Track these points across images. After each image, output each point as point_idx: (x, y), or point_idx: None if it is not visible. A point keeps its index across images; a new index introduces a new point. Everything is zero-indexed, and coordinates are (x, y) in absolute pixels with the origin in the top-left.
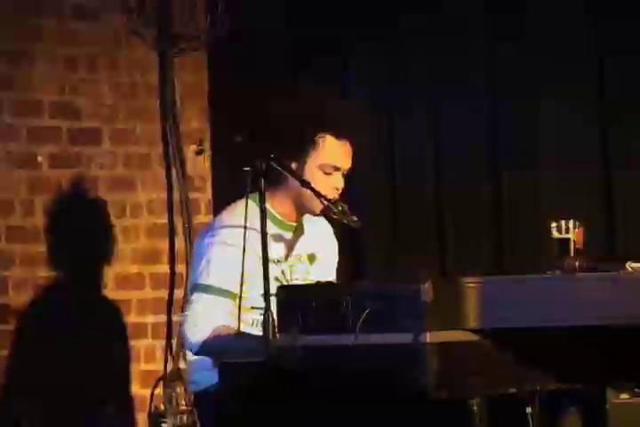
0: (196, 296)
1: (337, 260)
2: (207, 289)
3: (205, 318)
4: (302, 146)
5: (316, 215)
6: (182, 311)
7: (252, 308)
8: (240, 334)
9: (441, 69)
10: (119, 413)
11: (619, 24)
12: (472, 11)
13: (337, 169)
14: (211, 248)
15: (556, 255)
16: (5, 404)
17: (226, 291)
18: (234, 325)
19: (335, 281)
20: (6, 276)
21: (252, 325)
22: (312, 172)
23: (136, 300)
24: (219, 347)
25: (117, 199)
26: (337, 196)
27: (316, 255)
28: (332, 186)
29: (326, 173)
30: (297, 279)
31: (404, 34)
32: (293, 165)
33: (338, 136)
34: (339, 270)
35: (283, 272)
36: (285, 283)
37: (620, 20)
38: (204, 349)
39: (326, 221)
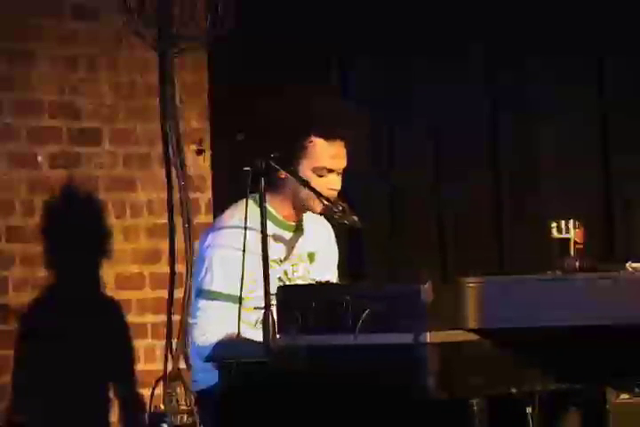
0: (202, 304)
1: (337, 258)
2: (212, 295)
3: (214, 326)
4: (292, 151)
5: (318, 214)
6: (183, 312)
7: (255, 308)
8: (248, 341)
9: (441, 69)
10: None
11: (618, 24)
12: (471, 11)
13: (330, 171)
14: (212, 251)
15: (556, 255)
16: (6, 404)
17: (230, 295)
18: (242, 329)
19: (336, 279)
20: (6, 276)
21: (256, 325)
22: (306, 175)
23: (136, 300)
24: (229, 354)
25: (117, 199)
26: (334, 195)
27: (316, 254)
28: (326, 187)
29: (319, 176)
30: (298, 278)
31: (404, 34)
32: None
33: (328, 138)
34: (339, 270)
35: (285, 272)
36: (288, 282)
37: (619, 21)
38: (214, 356)
39: (325, 220)
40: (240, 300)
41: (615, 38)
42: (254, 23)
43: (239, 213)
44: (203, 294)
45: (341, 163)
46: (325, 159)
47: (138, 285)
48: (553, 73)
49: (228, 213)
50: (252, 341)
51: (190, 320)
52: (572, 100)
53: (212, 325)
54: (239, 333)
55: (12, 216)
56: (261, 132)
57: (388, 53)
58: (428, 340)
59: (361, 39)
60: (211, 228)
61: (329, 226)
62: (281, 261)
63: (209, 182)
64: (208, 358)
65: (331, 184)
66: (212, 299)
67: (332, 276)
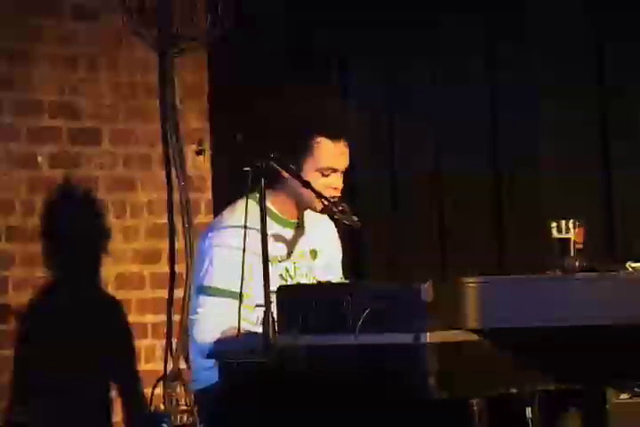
0: (202, 299)
1: (341, 255)
2: (212, 291)
3: (213, 321)
4: (297, 152)
5: (319, 212)
6: (183, 312)
7: (257, 306)
8: (249, 333)
9: (441, 69)
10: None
11: (618, 22)
12: (471, 10)
13: (335, 170)
14: (212, 249)
15: (556, 255)
16: (6, 404)
17: (231, 292)
18: (242, 325)
19: (341, 276)
20: (6, 276)
21: (257, 323)
22: (310, 175)
23: (136, 300)
24: (229, 349)
25: (117, 199)
26: (337, 194)
27: (318, 251)
28: (330, 186)
29: (324, 176)
30: (301, 276)
31: (405, 35)
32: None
33: (333, 138)
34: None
35: (287, 269)
36: (290, 280)
37: (619, 18)
38: (214, 352)
39: (327, 217)
40: (240, 297)
41: (615, 37)
42: (254, 23)
43: (239, 212)
44: (203, 290)
45: (345, 162)
46: (331, 159)
47: (138, 285)
48: (553, 73)
49: (227, 211)
50: (253, 332)
51: (190, 317)
52: (572, 100)
53: (213, 321)
54: (239, 329)
55: (12, 216)
56: (262, 132)
57: (388, 53)
58: (428, 340)
59: (361, 39)
60: (211, 226)
61: (332, 224)
62: (282, 258)
63: (209, 182)
64: (209, 355)
65: (334, 184)
66: (213, 295)
67: (336, 273)
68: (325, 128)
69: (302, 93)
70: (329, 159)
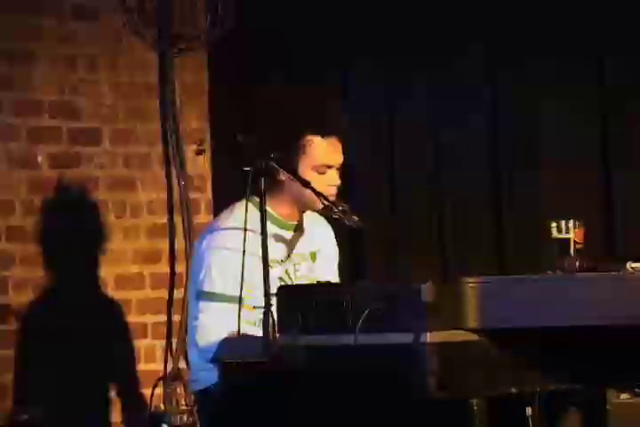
0: (202, 305)
1: (338, 257)
2: (213, 297)
3: (215, 327)
4: (291, 151)
5: (319, 211)
6: (183, 312)
7: (254, 307)
8: (250, 337)
9: (440, 70)
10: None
11: (619, 24)
12: (472, 11)
13: (330, 167)
14: (210, 252)
15: (556, 255)
16: (5, 404)
17: (231, 296)
18: (244, 329)
19: (337, 278)
20: (6, 276)
21: (256, 324)
22: (306, 174)
23: (136, 300)
24: (232, 353)
25: (117, 199)
26: (335, 191)
27: (318, 253)
28: (328, 183)
29: (320, 173)
30: (301, 278)
31: (405, 35)
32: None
33: (324, 135)
34: (339, 270)
35: (287, 272)
36: (290, 282)
37: (619, 20)
38: (218, 357)
39: (324, 219)
40: (240, 300)
41: (615, 38)
42: (254, 23)
43: (236, 215)
44: (203, 295)
45: (340, 158)
46: (324, 156)
47: (138, 285)
48: (553, 73)
49: (224, 214)
50: (254, 337)
51: (191, 323)
52: (572, 100)
53: (214, 326)
54: (239, 331)
55: (12, 216)
56: (261, 132)
57: (388, 53)
58: (428, 340)
59: (361, 39)
60: (207, 230)
61: (329, 225)
62: (282, 260)
63: (209, 182)
64: (212, 360)
65: (331, 180)
66: (213, 300)
67: (333, 275)
68: (315, 125)
69: (302, 93)
70: (323, 157)
